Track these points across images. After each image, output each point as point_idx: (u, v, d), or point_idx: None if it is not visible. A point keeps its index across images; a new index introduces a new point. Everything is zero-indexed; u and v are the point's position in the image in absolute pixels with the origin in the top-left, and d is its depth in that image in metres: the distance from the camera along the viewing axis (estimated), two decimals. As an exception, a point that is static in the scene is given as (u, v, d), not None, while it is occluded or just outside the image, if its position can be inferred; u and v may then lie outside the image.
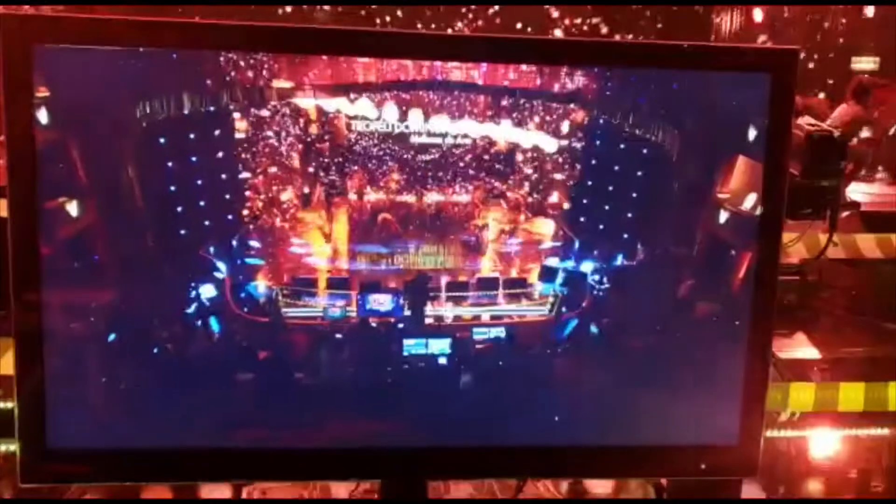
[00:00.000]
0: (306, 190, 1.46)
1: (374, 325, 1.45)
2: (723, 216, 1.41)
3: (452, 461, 1.44)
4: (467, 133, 1.41)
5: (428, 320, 1.45)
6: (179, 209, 1.40)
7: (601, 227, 1.49)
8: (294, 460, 1.40)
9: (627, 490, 2.20)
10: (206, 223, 1.43)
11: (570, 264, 1.50)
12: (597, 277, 1.48)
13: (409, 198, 1.46)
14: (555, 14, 13.34)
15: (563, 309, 1.49)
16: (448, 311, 1.47)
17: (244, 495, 2.02)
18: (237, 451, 1.39)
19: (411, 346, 1.44)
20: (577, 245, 1.50)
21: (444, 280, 1.47)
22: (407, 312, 1.45)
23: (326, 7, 12.55)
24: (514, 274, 1.51)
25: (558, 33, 12.32)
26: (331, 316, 1.45)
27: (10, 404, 1.32)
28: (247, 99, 1.36)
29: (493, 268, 1.50)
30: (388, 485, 1.47)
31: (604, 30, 12.48)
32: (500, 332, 1.47)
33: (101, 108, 1.29)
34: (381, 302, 1.45)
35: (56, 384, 1.30)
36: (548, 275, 1.51)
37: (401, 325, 1.45)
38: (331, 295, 1.45)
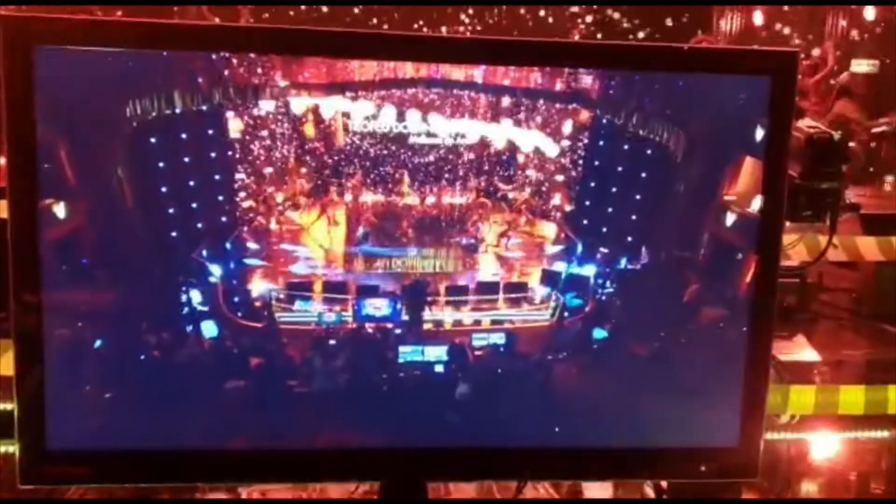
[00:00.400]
0: (302, 191, 1.43)
1: (370, 330, 1.42)
2: (723, 218, 1.41)
3: (452, 463, 1.44)
4: (467, 134, 1.39)
5: (426, 325, 1.42)
6: (173, 211, 1.38)
7: (604, 229, 1.47)
8: (293, 462, 1.40)
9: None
10: (199, 226, 1.41)
11: (572, 268, 1.48)
12: (600, 281, 1.46)
13: (408, 200, 1.44)
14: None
15: (566, 314, 1.47)
16: (447, 316, 1.44)
17: (244, 496, 2.02)
18: (236, 453, 1.39)
19: (409, 352, 1.41)
20: (579, 248, 1.48)
21: (443, 284, 1.45)
22: (405, 317, 1.42)
23: (324, 8, 12.51)
24: (514, 278, 1.49)
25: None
26: (325, 321, 1.41)
27: (9, 405, 1.32)
28: (242, 98, 1.34)
29: (493, 272, 1.47)
30: (387, 486, 1.47)
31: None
32: (500, 337, 1.45)
33: (97, 109, 1.28)
34: (378, 306, 1.42)
35: (56, 386, 1.30)
36: (549, 279, 1.48)
37: (398, 331, 1.42)
38: (326, 299, 1.42)
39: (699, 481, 1.57)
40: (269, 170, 1.41)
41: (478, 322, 1.45)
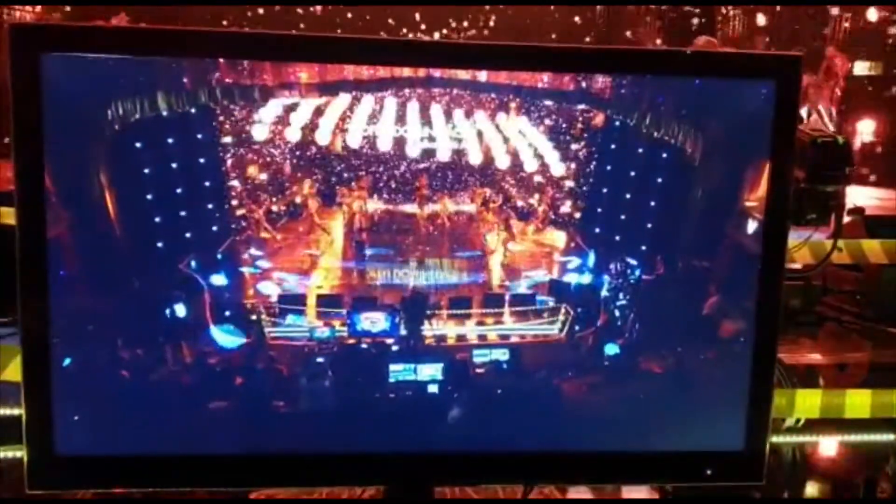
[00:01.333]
0: (297, 200, 1.37)
1: (365, 346, 1.35)
2: (728, 223, 1.41)
3: (458, 467, 1.43)
4: (471, 138, 1.35)
5: (425, 341, 1.36)
6: (168, 219, 1.33)
7: (617, 237, 1.41)
8: (298, 467, 1.40)
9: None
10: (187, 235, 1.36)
11: (584, 278, 1.41)
12: (612, 292, 1.40)
13: (409, 208, 1.38)
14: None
15: (576, 327, 1.41)
16: (449, 330, 1.38)
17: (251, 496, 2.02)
18: (243, 458, 1.39)
19: (406, 370, 1.35)
20: (591, 257, 1.41)
21: (444, 296, 1.38)
22: (403, 332, 1.35)
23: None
24: (522, 289, 1.42)
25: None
26: (317, 337, 1.35)
27: (17, 411, 1.32)
28: (238, 102, 1.30)
29: (499, 283, 1.42)
30: (392, 490, 1.46)
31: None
32: (503, 353, 1.38)
33: (91, 114, 1.27)
34: (375, 320, 1.36)
35: (63, 391, 1.30)
36: (559, 290, 1.41)
37: (396, 347, 1.35)
38: (320, 313, 1.36)
39: (705, 484, 1.56)
40: (263, 176, 1.36)
41: (482, 337, 1.39)
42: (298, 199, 1.37)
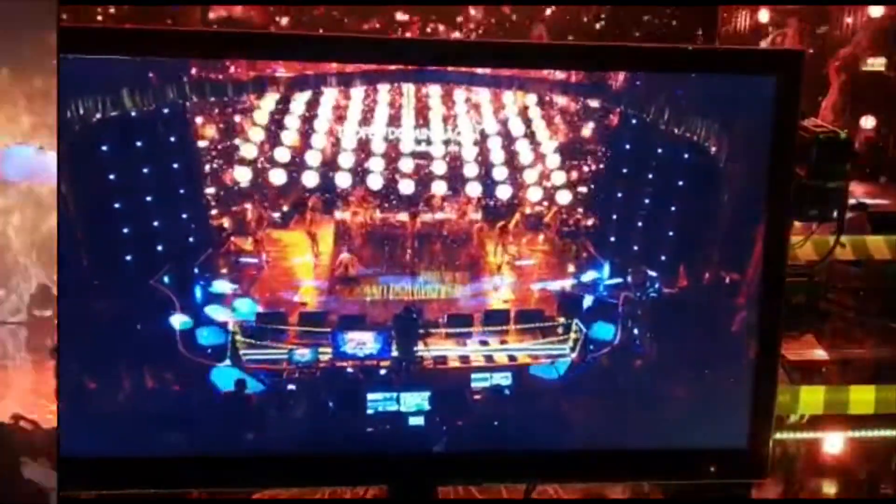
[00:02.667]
0: (285, 208, 1.28)
1: (351, 370, 1.25)
2: (730, 221, 1.40)
3: (460, 467, 1.43)
4: (475, 142, 1.28)
5: (418, 364, 1.27)
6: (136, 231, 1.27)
7: (635, 247, 1.33)
8: (302, 467, 1.40)
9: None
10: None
11: (599, 292, 1.31)
12: (629, 307, 1.31)
13: (404, 216, 1.27)
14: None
15: (590, 346, 1.31)
16: (446, 351, 1.28)
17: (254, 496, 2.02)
18: (245, 459, 1.39)
19: (386, 400, 1.26)
20: (607, 269, 1.32)
21: (442, 314, 1.27)
22: (395, 353, 1.25)
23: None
24: (528, 304, 1.33)
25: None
26: (297, 361, 1.26)
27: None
28: (230, 103, 1.25)
29: (503, 298, 1.32)
30: (394, 491, 1.46)
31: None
32: (505, 377, 1.26)
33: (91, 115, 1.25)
34: (364, 341, 1.25)
35: (67, 395, 1.30)
36: (570, 306, 1.31)
37: (383, 372, 1.25)
38: (303, 333, 1.27)
39: (709, 482, 1.56)
40: (243, 183, 1.26)
41: (487, 357, 1.28)
42: (286, 209, 1.28)
